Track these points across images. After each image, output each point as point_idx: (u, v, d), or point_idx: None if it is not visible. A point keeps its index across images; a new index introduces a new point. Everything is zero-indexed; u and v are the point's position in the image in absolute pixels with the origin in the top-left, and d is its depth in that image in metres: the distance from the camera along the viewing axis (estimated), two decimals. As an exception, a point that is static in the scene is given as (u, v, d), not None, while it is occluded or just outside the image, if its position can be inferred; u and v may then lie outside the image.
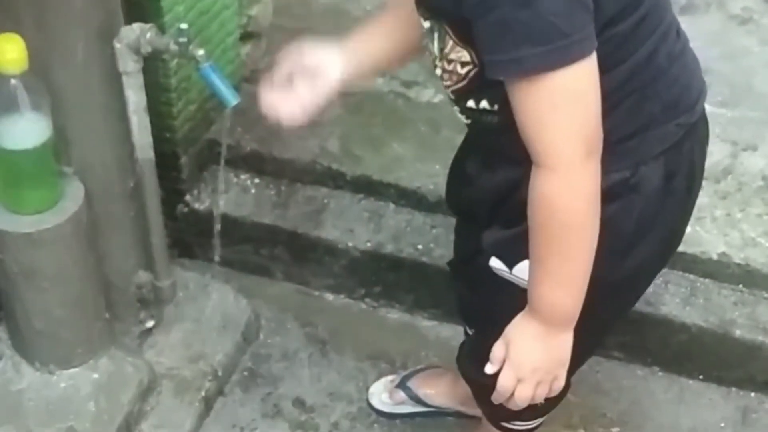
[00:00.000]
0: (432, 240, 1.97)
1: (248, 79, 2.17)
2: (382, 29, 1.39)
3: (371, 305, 2.04)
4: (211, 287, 1.93)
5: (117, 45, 1.45)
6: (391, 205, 2.02)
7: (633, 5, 1.18)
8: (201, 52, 1.44)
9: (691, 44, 2.23)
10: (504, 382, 1.25)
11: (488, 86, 1.20)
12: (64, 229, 1.48)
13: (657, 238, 1.32)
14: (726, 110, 2.12)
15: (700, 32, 2.36)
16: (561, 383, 1.28)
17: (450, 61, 1.24)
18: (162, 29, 1.62)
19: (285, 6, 2.33)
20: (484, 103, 1.25)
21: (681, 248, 1.85)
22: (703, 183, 1.93)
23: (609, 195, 1.22)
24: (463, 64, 1.22)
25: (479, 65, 1.20)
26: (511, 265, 1.33)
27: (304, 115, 1.35)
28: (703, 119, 1.34)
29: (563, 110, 1.11)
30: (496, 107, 1.24)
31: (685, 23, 2.47)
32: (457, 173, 1.51)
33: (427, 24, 1.24)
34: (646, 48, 1.21)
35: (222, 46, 2.00)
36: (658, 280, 1.88)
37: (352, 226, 1.99)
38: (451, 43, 1.21)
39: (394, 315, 2.03)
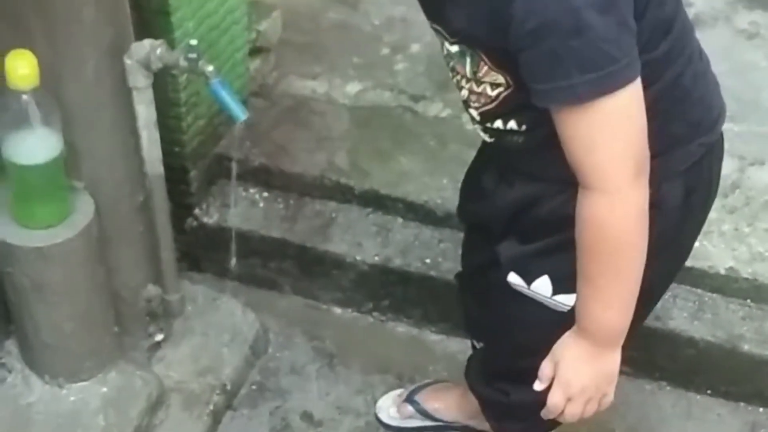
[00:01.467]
0: (440, 254, 1.97)
1: (257, 94, 2.19)
2: None
3: (379, 319, 2.04)
4: (220, 301, 1.93)
5: (127, 61, 1.46)
6: (399, 219, 2.03)
7: (664, 32, 1.19)
8: (210, 68, 1.45)
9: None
10: (554, 401, 1.27)
11: (519, 108, 1.21)
12: (74, 244, 1.49)
13: (672, 253, 1.33)
14: (733, 125, 2.12)
15: (708, 47, 2.34)
16: (610, 399, 1.29)
17: (480, 83, 1.24)
18: (172, 45, 1.63)
19: (293, 21, 2.34)
20: (512, 124, 1.26)
21: (689, 263, 1.85)
22: (710, 197, 1.96)
23: None
24: (494, 85, 1.23)
25: (513, 87, 1.20)
26: (529, 281, 1.34)
27: None
28: (721, 144, 1.36)
29: (613, 134, 1.12)
30: (523, 128, 1.25)
31: (692, 38, 2.46)
32: (471, 186, 1.51)
33: (455, 48, 1.24)
34: (673, 70, 1.23)
35: (231, 61, 2.01)
36: (666, 295, 1.87)
37: (360, 240, 2.00)
38: (485, 67, 1.21)
39: (402, 329, 2.03)
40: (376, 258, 1.98)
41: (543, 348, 1.32)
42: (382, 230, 2.02)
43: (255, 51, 2.17)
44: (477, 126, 1.32)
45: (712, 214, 1.90)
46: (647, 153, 1.15)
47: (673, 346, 1.88)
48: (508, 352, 1.48)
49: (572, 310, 1.30)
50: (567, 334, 1.27)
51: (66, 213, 1.49)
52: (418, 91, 2.21)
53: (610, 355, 1.25)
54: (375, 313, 2.04)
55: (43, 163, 1.41)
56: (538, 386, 1.29)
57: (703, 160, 1.30)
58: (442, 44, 1.26)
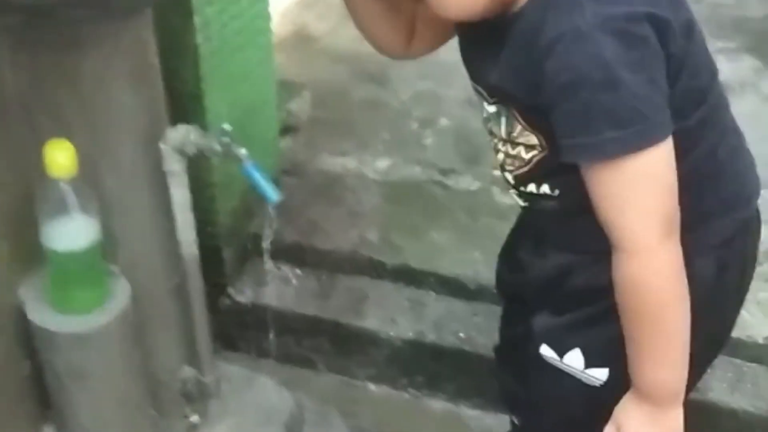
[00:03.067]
0: (474, 328, 1.96)
1: (289, 172, 2.21)
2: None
3: (414, 395, 2.03)
4: (255, 380, 1.93)
5: (162, 146, 1.49)
6: (432, 294, 2.03)
7: (697, 102, 1.20)
8: (243, 151, 1.47)
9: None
10: None
11: (552, 172, 1.22)
12: (111, 328, 1.50)
13: (706, 329, 1.31)
14: (765, 191, 2.12)
15: (736, 115, 2.36)
16: None
17: (515, 145, 1.25)
18: (204, 127, 1.66)
19: (323, 99, 2.38)
20: (545, 188, 1.27)
21: (726, 332, 1.85)
22: (746, 266, 1.94)
23: None
24: (528, 148, 1.24)
25: (547, 150, 1.21)
26: (561, 353, 1.33)
27: None
28: (757, 217, 1.35)
29: (642, 193, 1.12)
30: (557, 192, 1.26)
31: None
32: (507, 257, 1.51)
33: (492, 108, 1.26)
34: (707, 143, 1.23)
35: (263, 141, 2.05)
36: (704, 365, 1.86)
37: (393, 316, 2.00)
38: (519, 127, 1.22)
39: (438, 404, 2.02)
40: (410, 333, 1.97)
41: (579, 423, 1.31)
42: (415, 305, 2.02)
43: (286, 130, 2.21)
44: (512, 191, 1.33)
45: (748, 283, 1.91)
46: (677, 211, 1.15)
47: (713, 418, 1.85)
48: (545, 428, 1.47)
49: (606, 384, 1.29)
50: (626, 397, 1.25)
51: (103, 298, 1.51)
52: (448, 164, 2.23)
53: (672, 412, 1.24)
54: (410, 389, 2.03)
55: (81, 249, 1.43)
56: None
57: (736, 236, 1.30)
58: (482, 107, 1.28)
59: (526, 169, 1.26)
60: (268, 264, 1.58)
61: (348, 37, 2.68)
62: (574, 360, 1.32)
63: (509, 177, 1.31)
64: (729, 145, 1.27)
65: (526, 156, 1.24)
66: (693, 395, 1.82)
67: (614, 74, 1.07)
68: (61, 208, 1.40)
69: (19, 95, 1.37)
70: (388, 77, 2.53)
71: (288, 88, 2.24)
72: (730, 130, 1.29)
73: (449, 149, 2.28)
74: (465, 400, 2.00)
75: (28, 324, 1.49)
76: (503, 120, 1.24)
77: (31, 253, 1.46)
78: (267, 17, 1.96)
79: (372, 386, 2.05)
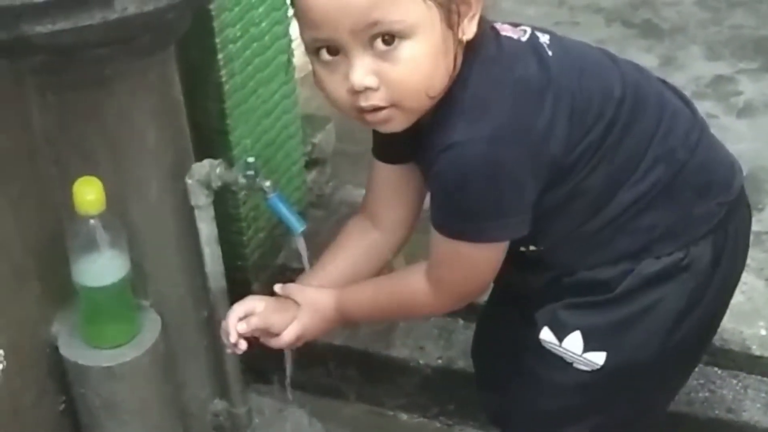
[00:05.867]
0: (503, 354, 1.96)
1: (315, 204, 2.23)
2: (344, 257, 1.49)
3: (446, 423, 2.03)
4: (287, 411, 1.94)
5: (188, 181, 1.51)
6: (460, 321, 2.03)
7: (608, 129, 1.26)
8: (268, 183, 1.50)
9: (751, 145, 2.24)
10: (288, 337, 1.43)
11: (534, 233, 1.28)
12: (142, 362, 1.52)
13: (700, 315, 1.35)
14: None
15: (761, 133, 2.37)
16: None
17: None
18: (230, 162, 1.69)
19: (347, 132, 2.39)
20: (532, 247, 1.35)
21: (758, 352, 1.84)
22: (774, 285, 1.93)
23: (663, 276, 1.30)
24: None
25: None
26: (561, 337, 1.35)
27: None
28: (744, 201, 1.38)
29: (461, 271, 1.30)
30: (542, 247, 1.34)
31: (744, 125, 2.49)
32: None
33: None
34: (653, 150, 1.28)
35: (288, 174, 2.07)
36: (737, 386, 1.84)
37: (422, 344, 2.00)
38: None
39: (470, 432, 2.02)
40: (440, 361, 1.97)
41: (573, 415, 1.37)
42: (443, 332, 2.02)
43: (311, 163, 2.23)
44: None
45: (776, 302, 1.90)
46: (477, 296, 1.36)
47: (748, 439, 1.83)
48: (539, 420, 1.47)
49: (602, 369, 1.33)
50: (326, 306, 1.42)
51: (134, 332, 1.53)
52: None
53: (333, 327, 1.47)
54: (441, 418, 2.03)
55: (110, 284, 1.46)
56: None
57: (728, 220, 1.33)
58: None
59: None
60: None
61: (370, 70, 2.71)
62: (573, 344, 1.34)
63: None
64: (680, 141, 1.30)
65: None
66: (727, 416, 1.82)
67: (465, 183, 1.20)
68: (90, 245, 1.43)
69: (47, 134, 1.40)
70: (412, 108, 2.55)
71: (313, 122, 2.26)
72: (677, 126, 1.31)
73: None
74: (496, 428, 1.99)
75: (61, 359, 1.51)
76: None
77: (62, 290, 1.49)
78: (290, 52, 1.99)
79: (403, 415, 2.05)
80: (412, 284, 1.35)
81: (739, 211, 1.36)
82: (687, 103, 1.37)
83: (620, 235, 1.30)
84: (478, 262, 1.29)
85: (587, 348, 1.33)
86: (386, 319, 1.49)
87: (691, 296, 1.32)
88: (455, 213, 1.24)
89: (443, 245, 1.28)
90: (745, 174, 2.12)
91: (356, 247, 1.46)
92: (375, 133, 1.35)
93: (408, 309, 1.42)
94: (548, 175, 1.23)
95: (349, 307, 1.42)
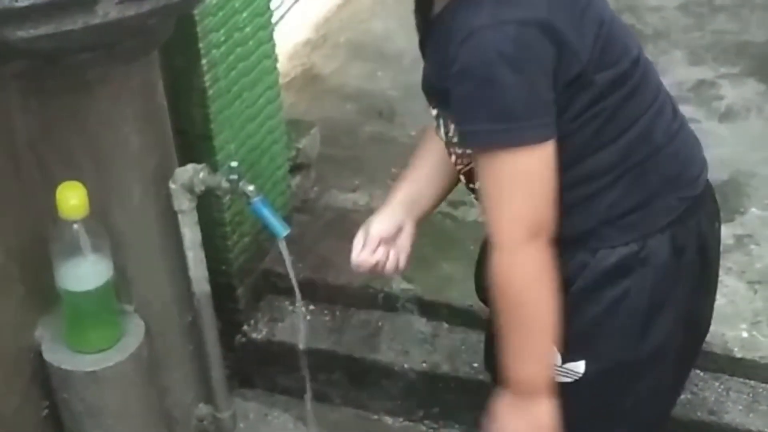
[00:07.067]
0: (487, 358, 1.97)
1: (299, 209, 2.24)
2: (424, 171, 1.46)
3: (431, 426, 2.03)
4: (271, 416, 1.94)
5: (172, 186, 1.52)
6: (445, 325, 2.03)
7: (621, 81, 1.25)
8: (251, 187, 1.50)
9: (733, 149, 2.25)
10: None
11: None
12: (126, 366, 1.52)
13: (672, 316, 1.34)
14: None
15: (742, 138, 2.38)
16: None
17: (452, 145, 1.32)
18: (215, 167, 1.69)
19: (332, 137, 2.40)
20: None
21: (739, 354, 1.85)
22: (757, 287, 1.94)
23: (621, 270, 1.29)
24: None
25: None
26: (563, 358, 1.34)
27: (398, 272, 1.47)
28: (710, 196, 1.38)
29: (512, 192, 1.20)
30: None
31: (726, 129, 2.49)
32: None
33: (434, 112, 1.32)
34: (639, 125, 1.28)
35: (272, 179, 2.07)
36: (719, 388, 1.85)
37: (407, 348, 2.01)
38: (452, 126, 1.28)
39: (454, 435, 2.02)
40: (424, 365, 1.98)
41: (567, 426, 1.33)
42: (428, 337, 2.02)
43: (296, 167, 2.23)
44: (468, 189, 1.38)
45: (759, 304, 1.91)
46: (548, 219, 1.21)
47: (731, 440, 1.84)
48: None
49: (585, 377, 1.33)
50: (500, 391, 1.30)
51: (117, 336, 1.53)
52: (457, 197, 2.22)
53: (539, 406, 1.28)
54: (426, 421, 2.03)
55: (94, 288, 1.46)
56: None
57: (689, 215, 1.33)
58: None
59: (469, 167, 1.31)
60: (280, 299, 1.60)
61: (355, 75, 2.72)
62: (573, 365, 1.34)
63: (462, 177, 1.36)
64: (666, 126, 1.31)
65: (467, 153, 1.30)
66: (709, 418, 1.83)
67: (493, 72, 1.14)
68: (74, 249, 1.42)
69: (30, 139, 1.40)
70: (396, 113, 2.55)
71: (297, 127, 2.27)
72: (667, 110, 1.32)
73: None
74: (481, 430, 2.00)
75: (44, 364, 1.51)
76: (441, 122, 1.31)
77: (45, 295, 1.49)
78: (274, 57, 1.99)
79: (388, 419, 2.05)
80: (490, 273, 1.24)
81: (703, 206, 1.36)
82: (671, 98, 1.38)
83: (577, 209, 1.27)
84: (527, 176, 1.19)
85: (566, 359, 1.33)
86: (533, 340, 1.28)
87: (654, 292, 1.30)
88: (486, 115, 1.17)
89: (485, 171, 1.20)
90: (726, 178, 2.17)
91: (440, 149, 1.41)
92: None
93: (513, 300, 1.24)
94: (568, 89, 1.19)
95: (503, 368, 1.29)
